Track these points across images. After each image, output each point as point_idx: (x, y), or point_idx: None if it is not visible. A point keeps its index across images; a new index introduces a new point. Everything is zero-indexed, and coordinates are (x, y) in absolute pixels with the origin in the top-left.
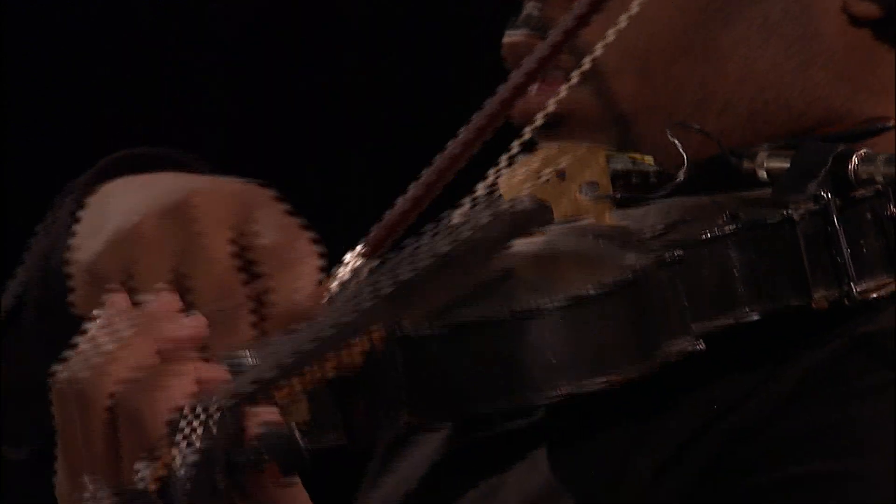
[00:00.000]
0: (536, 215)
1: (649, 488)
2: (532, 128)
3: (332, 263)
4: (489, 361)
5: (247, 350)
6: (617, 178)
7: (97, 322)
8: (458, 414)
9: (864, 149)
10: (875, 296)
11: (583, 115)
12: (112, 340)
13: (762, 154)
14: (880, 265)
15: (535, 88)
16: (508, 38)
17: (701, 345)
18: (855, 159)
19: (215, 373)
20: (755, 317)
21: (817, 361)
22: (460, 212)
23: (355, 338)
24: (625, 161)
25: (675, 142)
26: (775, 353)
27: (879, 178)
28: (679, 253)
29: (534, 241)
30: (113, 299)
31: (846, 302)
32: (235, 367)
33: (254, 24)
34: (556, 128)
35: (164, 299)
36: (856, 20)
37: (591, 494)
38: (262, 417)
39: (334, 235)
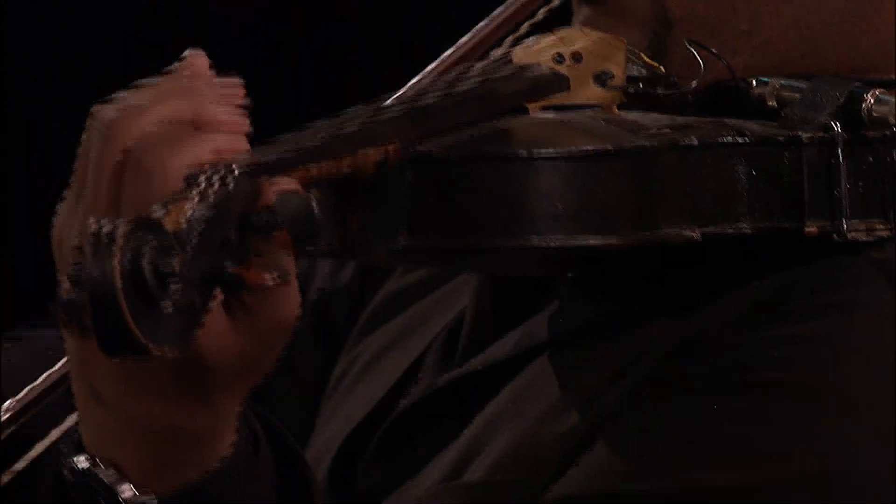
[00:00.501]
0: (553, 81)
1: (604, 392)
2: None
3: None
4: (497, 196)
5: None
6: (629, 80)
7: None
8: (456, 242)
9: (880, 89)
10: (862, 237)
11: (633, 1)
12: (158, 93)
13: (774, 82)
14: (872, 208)
15: None
16: None
17: (698, 235)
18: (870, 98)
19: (237, 146)
20: (748, 231)
21: (792, 278)
22: (478, 65)
23: (373, 144)
24: (638, 64)
25: (693, 51)
26: (753, 269)
27: (892, 119)
28: (693, 142)
29: (543, 113)
30: (192, 59)
31: (835, 237)
32: (258, 149)
33: (254, 24)
34: (601, 2)
35: (231, 85)
36: None
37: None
38: (282, 185)
39: None
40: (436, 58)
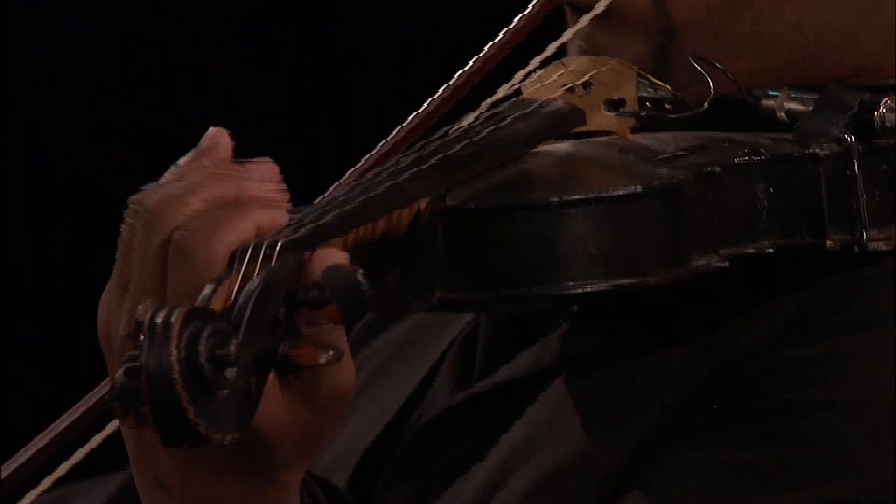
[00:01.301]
0: (570, 117)
1: (636, 418)
2: (586, 19)
3: None
4: (530, 244)
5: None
6: (640, 101)
7: (195, 158)
8: (492, 293)
9: (892, 97)
10: (882, 246)
11: (634, 14)
12: (199, 178)
13: (783, 95)
14: (890, 217)
15: None
16: None
17: (726, 263)
18: (882, 107)
19: (278, 219)
20: (770, 249)
21: (813, 298)
22: (492, 108)
23: (407, 203)
24: (645, 85)
25: (700, 70)
26: (777, 289)
27: None
28: (716, 169)
29: (560, 146)
30: (215, 137)
31: (855, 248)
32: (296, 220)
33: (254, 24)
34: (601, 17)
35: (267, 164)
36: None
37: (593, 425)
38: (328, 257)
39: None
40: (438, 57)
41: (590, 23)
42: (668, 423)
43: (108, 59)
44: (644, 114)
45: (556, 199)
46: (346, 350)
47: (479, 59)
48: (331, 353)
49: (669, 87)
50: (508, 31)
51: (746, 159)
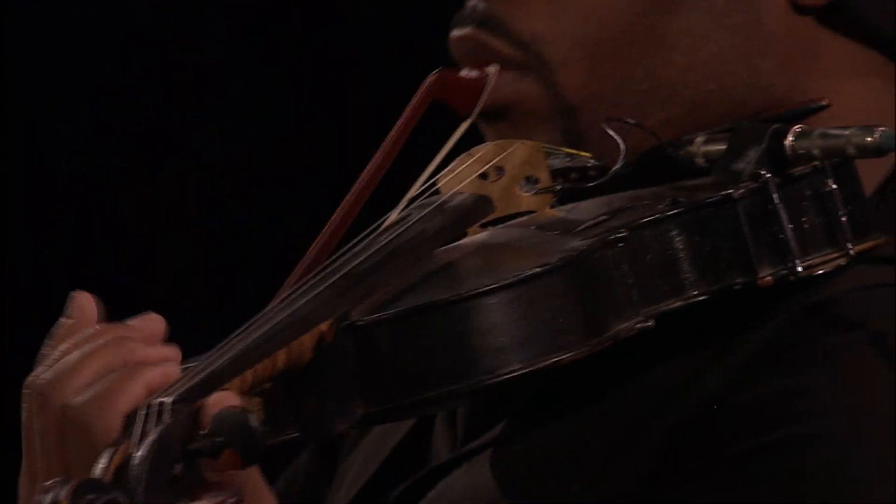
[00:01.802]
0: (476, 207)
1: (599, 477)
2: (468, 121)
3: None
4: (439, 345)
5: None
6: (556, 175)
7: (70, 327)
8: (412, 400)
9: (799, 125)
10: (821, 270)
11: (529, 105)
12: (86, 351)
13: (699, 140)
14: (824, 240)
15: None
16: (457, 33)
17: (651, 323)
18: (791, 137)
19: (168, 373)
20: (702, 297)
21: (768, 334)
22: (399, 209)
23: (304, 330)
24: (562, 157)
25: (611, 133)
26: (726, 332)
27: (816, 151)
28: (622, 233)
29: (476, 237)
30: (81, 304)
31: (791, 278)
32: (187, 371)
33: (254, 24)
34: (500, 118)
35: (151, 320)
36: (800, 8)
37: (544, 486)
38: (218, 402)
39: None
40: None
41: (491, 124)
42: (646, 473)
43: (108, 59)
44: (565, 185)
45: (454, 296)
46: (256, 487)
47: (364, 178)
48: (232, 499)
49: (587, 154)
50: (380, 156)
51: (663, 213)
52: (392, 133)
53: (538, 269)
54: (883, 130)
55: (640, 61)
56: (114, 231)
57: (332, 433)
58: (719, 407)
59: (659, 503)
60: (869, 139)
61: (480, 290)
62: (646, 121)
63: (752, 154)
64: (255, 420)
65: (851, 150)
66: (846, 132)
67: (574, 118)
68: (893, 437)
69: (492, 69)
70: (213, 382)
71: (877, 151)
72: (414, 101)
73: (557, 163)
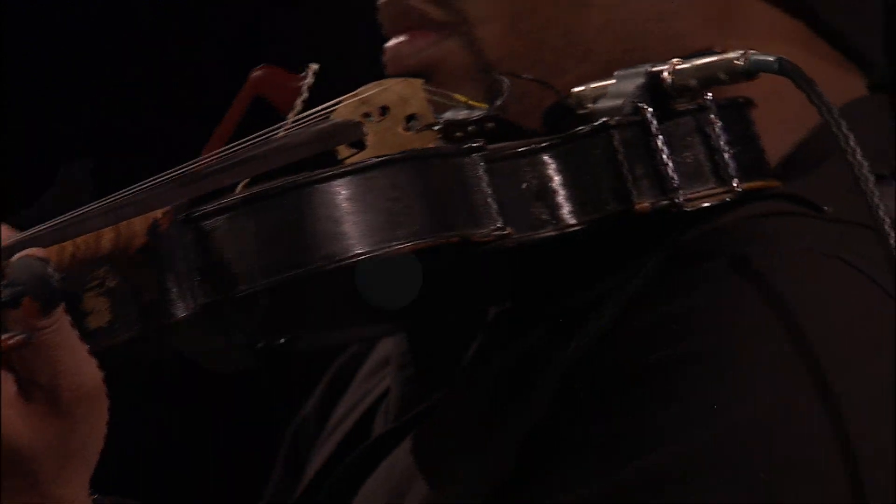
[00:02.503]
0: (343, 127)
1: (500, 423)
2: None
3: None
4: (276, 233)
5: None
6: (453, 127)
7: None
8: (253, 287)
9: (677, 60)
10: (705, 203)
11: (451, 64)
12: None
13: (582, 89)
14: (708, 175)
15: (403, 38)
16: None
17: (510, 230)
18: (668, 72)
19: None
20: (579, 227)
21: (657, 265)
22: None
23: (136, 213)
24: (456, 108)
25: (503, 80)
26: (622, 265)
27: (692, 82)
28: (478, 143)
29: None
30: None
31: (674, 210)
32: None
33: (254, 24)
34: (425, 80)
35: None
36: None
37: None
38: (15, 256)
39: None
40: None
41: (421, 85)
42: (537, 429)
43: (108, 59)
44: (441, 123)
45: (296, 182)
46: (80, 350)
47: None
48: (17, 338)
49: (480, 103)
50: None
51: (535, 146)
52: (217, 130)
53: (377, 160)
54: (753, 53)
55: (558, 18)
56: None
57: (170, 320)
58: (608, 337)
59: (557, 438)
60: (739, 62)
61: (317, 176)
62: (563, 78)
63: (632, 90)
64: (53, 268)
65: (723, 76)
66: (717, 59)
67: (496, 75)
68: (755, 354)
69: (311, 66)
70: (27, 245)
71: (746, 74)
72: (237, 99)
73: (452, 114)
